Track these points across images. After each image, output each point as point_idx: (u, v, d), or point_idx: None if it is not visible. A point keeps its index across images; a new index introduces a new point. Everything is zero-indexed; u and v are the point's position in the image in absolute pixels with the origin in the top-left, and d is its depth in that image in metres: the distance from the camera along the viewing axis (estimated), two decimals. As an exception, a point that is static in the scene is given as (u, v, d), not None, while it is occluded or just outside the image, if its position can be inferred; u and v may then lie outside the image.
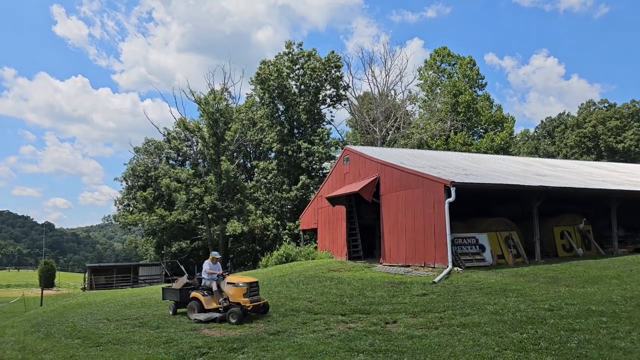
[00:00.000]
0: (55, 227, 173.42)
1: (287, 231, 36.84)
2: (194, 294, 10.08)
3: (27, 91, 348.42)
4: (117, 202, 49.26)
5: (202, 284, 10.39)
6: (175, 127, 45.69)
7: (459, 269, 13.27)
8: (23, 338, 9.28)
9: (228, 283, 9.63)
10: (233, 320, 8.89)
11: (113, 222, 48.86)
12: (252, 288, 9.52)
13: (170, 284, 11.92)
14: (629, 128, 55.15)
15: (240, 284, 9.43)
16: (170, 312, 10.54)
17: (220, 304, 9.59)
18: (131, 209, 47.30)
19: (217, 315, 9.26)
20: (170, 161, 49.93)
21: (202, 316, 9.39)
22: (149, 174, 46.97)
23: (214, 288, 9.91)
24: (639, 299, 8.30)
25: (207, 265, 10.42)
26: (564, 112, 67.81)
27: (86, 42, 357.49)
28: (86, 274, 41.71)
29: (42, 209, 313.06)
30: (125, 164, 50.36)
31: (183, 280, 11.16)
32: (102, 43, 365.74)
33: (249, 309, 9.16)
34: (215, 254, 10.73)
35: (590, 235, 17.99)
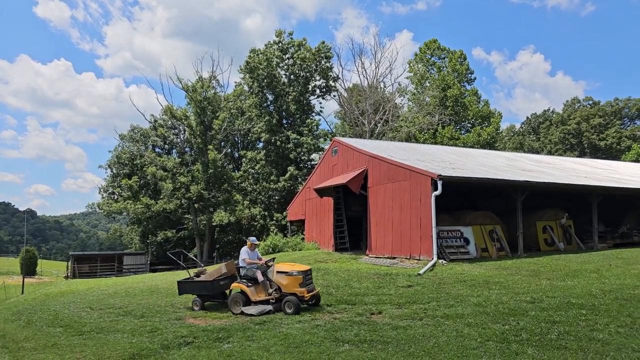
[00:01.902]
0: (38, 215, 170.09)
1: (274, 222, 36.82)
2: (236, 285, 9.09)
3: (8, 74, 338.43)
4: (102, 190, 48.49)
5: (241, 274, 9.30)
6: (162, 115, 45.01)
7: (444, 262, 13.45)
8: (3, 326, 9.10)
9: (279, 272, 8.74)
10: (290, 310, 8.28)
11: (97, 210, 48.05)
12: (307, 276, 8.75)
13: (190, 276, 10.23)
14: (612, 126, 56.30)
15: (295, 273, 8.60)
16: (197, 308, 9.31)
17: (269, 295, 8.77)
18: (116, 197, 46.61)
19: (270, 307, 8.51)
20: (157, 149, 49.23)
21: (254, 309, 8.46)
22: (134, 162, 46.26)
23: (260, 278, 8.92)
24: (617, 293, 8.53)
25: (245, 253, 9.36)
26: (549, 109, 68.89)
27: (69, 25, 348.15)
28: (69, 262, 41.12)
29: (23, 196, 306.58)
30: (110, 151, 49.74)
31: (219, 269, 9.81)
32: (85, 26, 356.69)
33: (306, 299, 8.49)
34: (253, 239, 9.61)
35: (571, 230, 18.39)
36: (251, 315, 8.32)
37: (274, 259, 9.59)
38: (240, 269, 9.34)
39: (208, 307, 9.55)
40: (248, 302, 8.76)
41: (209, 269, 11.27)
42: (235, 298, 8.92)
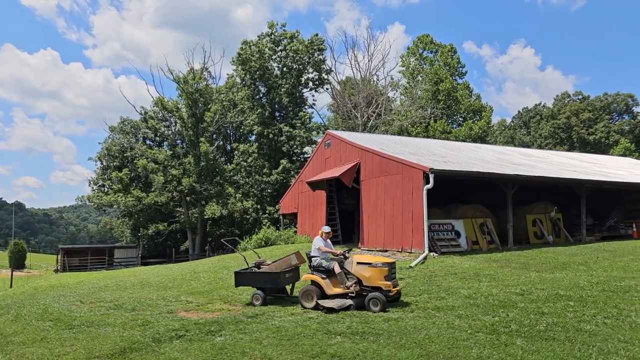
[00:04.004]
0: (26, 207, 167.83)
1: (267, 215, 36.80)
2: (309, 276, 8.29)
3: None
4: (92, 182, 48.01)
5: (313, 264, 8.47)
6: (153, 106, 44.56)
7: (435, 254, 13.56)
8: (-9, 320, 8.99)
9: (359, 263, 7.96)
10: (375, 308, 7.46)
11: (87, 203, 47.64)
12: (392, 269, 7.99)
13: (249, 267, 9.40)
14: (600, 120, 56.94)
15: (380, 265, 7.80)
16: (257, 303, 8.46)
17: (347, 288, 7.97)
18: (106, 190, 46.19)
19: (350, 302, 7.71)
20: (148, 141, 48.78)
21: (333, 303, 7.69)
22: (125, 154, 45.83)
23: (337, 270, 8.08)
24: (604, 285, 8.68)
25: (320, 241, 8.58)
26: (540, 103, 69.47)
27: (55, 14, 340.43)
28: (59, 256, 40.76)
29: (11, 188, 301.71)
30: (99, 143, 49.11)
31: (288, 260, 8.92)
32: (72, 15, 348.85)
33: (391, 294, 7.74)
34: (326, 228, 8.88)
35: (560, 223, 18.64)
36: (330, 309, 7.56)
37: (350, 249, 8.90)
38: (313, 259, 8.48)
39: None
40: (323, 295, 8.02)
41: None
42: (308, 291, 8.11)
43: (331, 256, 8.55)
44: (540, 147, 56.49)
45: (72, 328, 7.33)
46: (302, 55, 39.34)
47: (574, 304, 7.30)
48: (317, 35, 40.58)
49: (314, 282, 8.20)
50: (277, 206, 32.55)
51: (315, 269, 8.38)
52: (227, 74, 49.09)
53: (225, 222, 42.24)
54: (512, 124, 70.48)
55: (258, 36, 41.54)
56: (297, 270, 9.13)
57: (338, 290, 8.04)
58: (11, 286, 22.43)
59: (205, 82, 41.11)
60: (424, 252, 13.46)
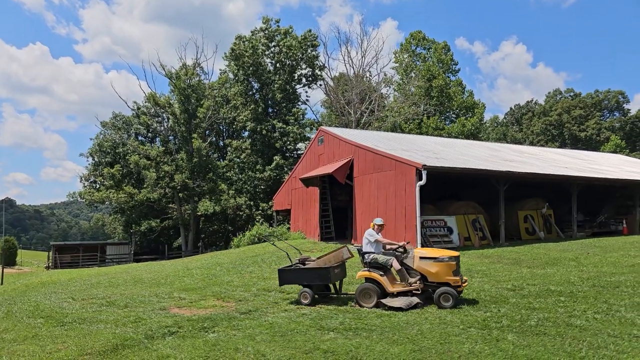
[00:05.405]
0: (17, 204, 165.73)
1: (260, 212, 36.73)
2: (365, 274, 7.72)
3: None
4: (83, 178, 47.50)
5: (366, 260, 7.89)
6: (145, 102, 44.13)
7: (428, 250, 13.64)
8: (-19, 318, 8.89)
9: (424, 258, 7.41)
10: (447, 304, 7.04)
11: (79, 199, 47.06)
12: (459, 263, 7.54)
13: (293, 264, 8.81)
14: (592, 117, 57.52)
15: (447, 259, 7.28)
16: (306, 302, 7.89)
17: (410, 285, 7.45)
18: (98, 186, 45.76)
19: (417, 300, 7.27)
20: (140, 137, 48.33)
21: (399, 302, 7.17)
22: (116, 150, 45.40)
23: (396, 266, 7.53)
24: (594, 280, 8.79)
25: (375, 234, 7.90)
26: (532, 100, 69.98)
27: (43, 8, 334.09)
28: (50, 253, 40.42)
29: (1, 184, 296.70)
30: (91, 139, 48.47)
31: (339, 255, 8.40)
32: (61, 9, 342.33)
33: (460, 289, 7.35)
34: (378, 220, 8.22)
35: (551, 219, 18.84)
36: (398, 308, 7.08)
37: (408, 242, 8.33)
38: (366, 255, 7.87)
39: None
40: (383, 293, 7.49)
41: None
42: (366, 289, 7.55)
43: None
44: (532, 143, 56.96)
45: (64, 325, 7.28)
46: (295, 51, 39.18)
47: (564, 299, 7.38)
48: (310, 31, 40.45)
49: (370, 280, 7.64)
50: (270, 203, 32.50)
51: (371, 265, 7.77)
52: (220, 70, 48.76)
53: (218, 218, 42.10)
54: (505, 121, 70.95)
55: (252, 31, 41.31)
56: (344, 266, 8.67)
57: (400, 287, 7.50)
58: (2, 283, 22.20)
59: (197, 78, 40.82)
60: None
